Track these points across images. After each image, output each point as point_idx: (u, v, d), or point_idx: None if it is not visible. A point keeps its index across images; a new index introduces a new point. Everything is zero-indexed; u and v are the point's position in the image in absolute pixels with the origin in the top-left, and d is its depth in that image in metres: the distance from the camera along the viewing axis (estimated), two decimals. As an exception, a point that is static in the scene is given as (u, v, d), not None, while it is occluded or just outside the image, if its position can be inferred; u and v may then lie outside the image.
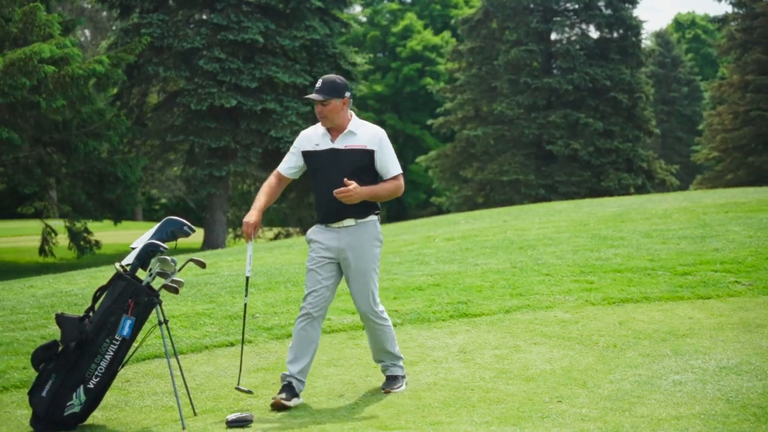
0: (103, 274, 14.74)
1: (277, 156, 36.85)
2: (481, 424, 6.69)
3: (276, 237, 45.37)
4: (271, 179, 7.84)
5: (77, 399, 7.07)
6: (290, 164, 7.79)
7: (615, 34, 50.94)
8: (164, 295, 7.52)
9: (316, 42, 36.98)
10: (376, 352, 7.97)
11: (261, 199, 7.71)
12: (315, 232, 7.75)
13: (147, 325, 7.56)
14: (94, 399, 7.14)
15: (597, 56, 49.84)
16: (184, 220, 7.55)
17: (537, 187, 48.02)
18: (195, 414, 7.37)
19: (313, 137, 7.71)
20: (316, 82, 35.63)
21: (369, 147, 7.58)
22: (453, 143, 52.98)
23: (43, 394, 7.05)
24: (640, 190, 47.76)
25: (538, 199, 45.16)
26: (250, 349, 9.19)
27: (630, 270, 11.68)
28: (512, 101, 49.28)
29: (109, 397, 7.60)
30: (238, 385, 7.68)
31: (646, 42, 69.38)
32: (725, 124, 51.40)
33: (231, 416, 6.99)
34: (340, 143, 7.58)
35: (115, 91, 36.11)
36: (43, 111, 27.74)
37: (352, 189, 7.38)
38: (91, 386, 7.10)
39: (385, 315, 7.87)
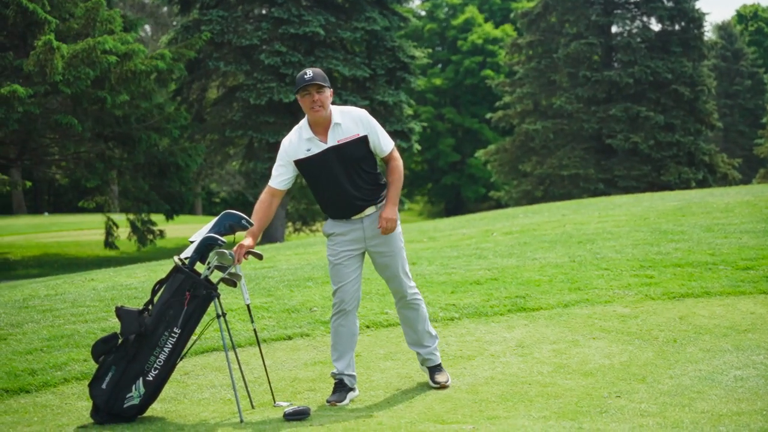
0: (163, 268, 14.88)
1: (336, 150, 36.87)
2: (539, 418, 6.65)
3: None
4: (264, 197, 7.59)
5: (137, 391, 7.13)
6: (283, 177, 7.56)
7: (677, 27, 50.42)
8: (222, 288, 7.56)
9: (375, 34, 37.03)
10: (416, 335, 7.85)
11: (255, 225, 7.50)
12: (334, 225, 7.63)
13: (205, 318, 7.60)
14: (153, 391, 7.19)
15: (658, 49, 49.35)
16: (242, 214, 7.57)
17: (596, 181, 47.70)
18: (253, 407, 7.41)
19: (300, 144, 7.47)
20: (375, 76, 36.10)
21: (361, 133, 7.46)
22: (512, 137, 52.78)
23: (103, 386, 7.12)
24: (702, 184, 47.21)
25: (597, 194, 44.87)
26: (308, 342, 9.23)
27: (690, 264, 11.55)
28: (572, 95, 48.99)
29: (167, 389, 7.66)
30: (275, 402, 7.50)
31: (709, 35, 68.62)
32: (789, 118, 50.72)
33: (288, 409, 7.01)
34: (333, 140, 7.41)
35: (175, 86, 36.43)
36: (108, 107, 28.07)
37: (386, 220, 7.40)
38: (150, 378, 7.15)
39: (417, 289, 7.85)
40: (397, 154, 7.65)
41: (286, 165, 7.54)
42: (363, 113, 7.53)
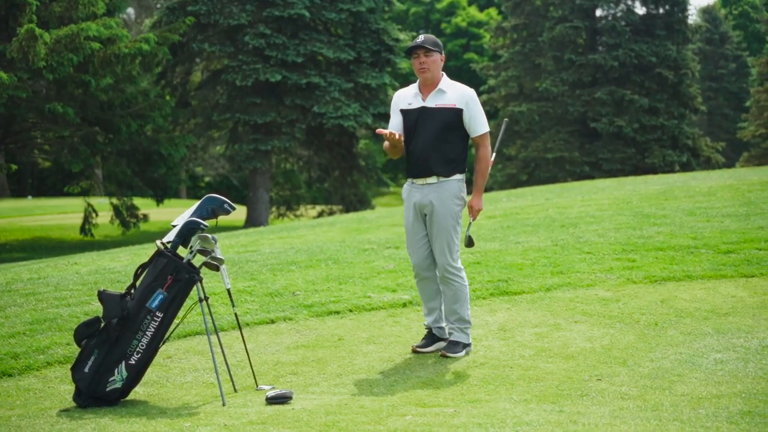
0: (146, 252, 14.86)
1: (320, 133, 36.88)
2: (520, 401, 6.68)
3: (320, 215, 45.47)
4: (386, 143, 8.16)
5: (119, 375, 7.14)
6: (395, 126, 8.11)
7: (661, 10, 50.43)
8: (205, 272, 7.57)
9: (359, 17, 36.97)
10: (447, 311, 8.22)
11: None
12: (406, 190, 8.21)
13: (188, 302, 7.61)
14: (135, 375, 7.20)
15: (643, 32, 49.38)
16: (225, 198, 7.58)
17: (581, 164, 47.76)
18: (235, 390, 7.43)
19: (406, 96, 8.12)
20: (360, 58, 36.12)
21: (457, 106, 7.96)
22: (497, 120, 52.73)
23: (86, 369, 7.13)
24: (685, 167, 47.32)
25: (582, 177, 44.93)
26: (290, 326, 9.24)
27: (672, 248, 11.60)
28: (557, 78, 48.98)
29: (150, 373, 7.66)
30: (257, 386, 7.51)
31: (694, 18, 68.61)
32: (773, 101, 50.79)
33: (271, 393, 7.02)
34: (431, 102, 7.99)
35: (159, 69, 36.31)
36: (92, 90, 28.01)
37: (477, 211, 8.16)
38: (133, 362, 7.16)
39: (463, 275, 8.17)
40: (487, 142, 8.13)
41: (395, 113, 8.16)
42: (469, 92, 8.10)
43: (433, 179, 7.98)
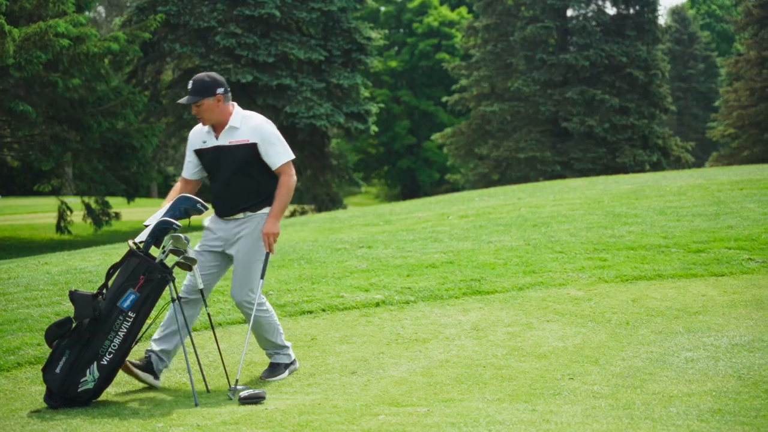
0: (117, 252, 14.78)
1: (292, 133, 36.86)
2: (493, 401, 6.71)
3: (292, 214, 45.40)
4: (176, 186, 7.85)
5: (91, 375, 7.10)
6: (190, 167, 7.82)
7: (631, 11, 50.70)
8: (178, 272, 7.54)
9: (331, 16, 36.95)
10: (258, 340, 7.90)
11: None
12: (210, 220, 7.82)
13: (160, 302, 7.58)
14: (107, 375, 7.17)
15: (613, 33, 49.62)
16: (197, 198, 7.56)
17: (553, 164, 47.92)
18: (208, 391, 7.41)
19: (201, 135, 7.72)
20: (331, 58, 36.08)
21: (251, 140, 7.58)
22: (468, 120, 52.80)
23: (57, 370, 7.09)
24: (656, 167, 47.57)
25: (554, 176, 45.06)
26: (263, 326, 9.20)
27: (643, 247, 11.66)
28: (528, 78, 49.10)
29: (122, 373, 7.62)
30: (230, 386, 7.41)
31: (663, 18, 68.98)
32: (741, 101, 51.08)
33: (244, 393, 7.01)
34: (224, 139, 7.60)
35: (129, 69, 36.14)
36: (60, 91, 27.81)
37: (266, 235, 7.55)
38: (105, 363, 7.13)
39: (266, 306, 7.80)
40: (290, 171, 7.69)
41: (191, 154, 7.81)
42: (262, 122, 7.69)
43: (240, 215, 7.64)
